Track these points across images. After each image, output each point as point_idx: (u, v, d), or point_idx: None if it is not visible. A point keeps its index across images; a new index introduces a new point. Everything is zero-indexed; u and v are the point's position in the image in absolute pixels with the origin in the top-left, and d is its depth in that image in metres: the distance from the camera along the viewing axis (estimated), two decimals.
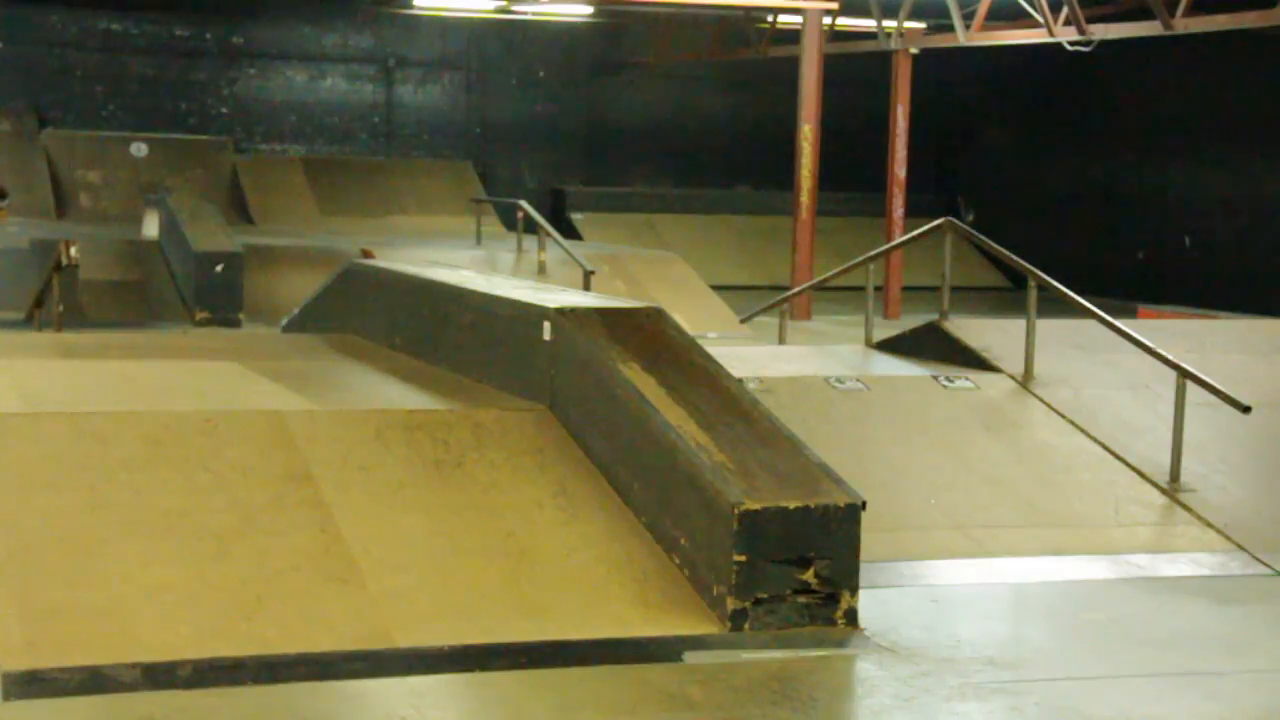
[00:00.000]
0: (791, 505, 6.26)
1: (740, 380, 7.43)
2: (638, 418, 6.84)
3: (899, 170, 20.91)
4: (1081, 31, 17.64)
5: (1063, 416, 9.14)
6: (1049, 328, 9.86)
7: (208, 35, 25.53)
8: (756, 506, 6.20)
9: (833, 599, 6.31)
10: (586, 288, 15.48)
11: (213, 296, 16.66)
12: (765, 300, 14.92)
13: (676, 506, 6.54)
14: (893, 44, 20.73)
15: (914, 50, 20.72)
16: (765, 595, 6.21)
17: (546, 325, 7.58)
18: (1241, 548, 7.97)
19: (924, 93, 22.18)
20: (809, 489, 6.39)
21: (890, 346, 10.68)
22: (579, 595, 6.30)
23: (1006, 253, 10.52)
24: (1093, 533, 8.02)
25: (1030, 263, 9.94)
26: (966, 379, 9.49)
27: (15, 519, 6.24)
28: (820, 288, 15.33)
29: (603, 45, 26.95)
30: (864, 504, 6.40)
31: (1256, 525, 8.23)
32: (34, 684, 5.35)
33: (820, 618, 6.29)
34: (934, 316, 10.47)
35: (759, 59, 24.14)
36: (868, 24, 21.23)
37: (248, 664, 5.59)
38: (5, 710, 5.18)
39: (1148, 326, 10.81)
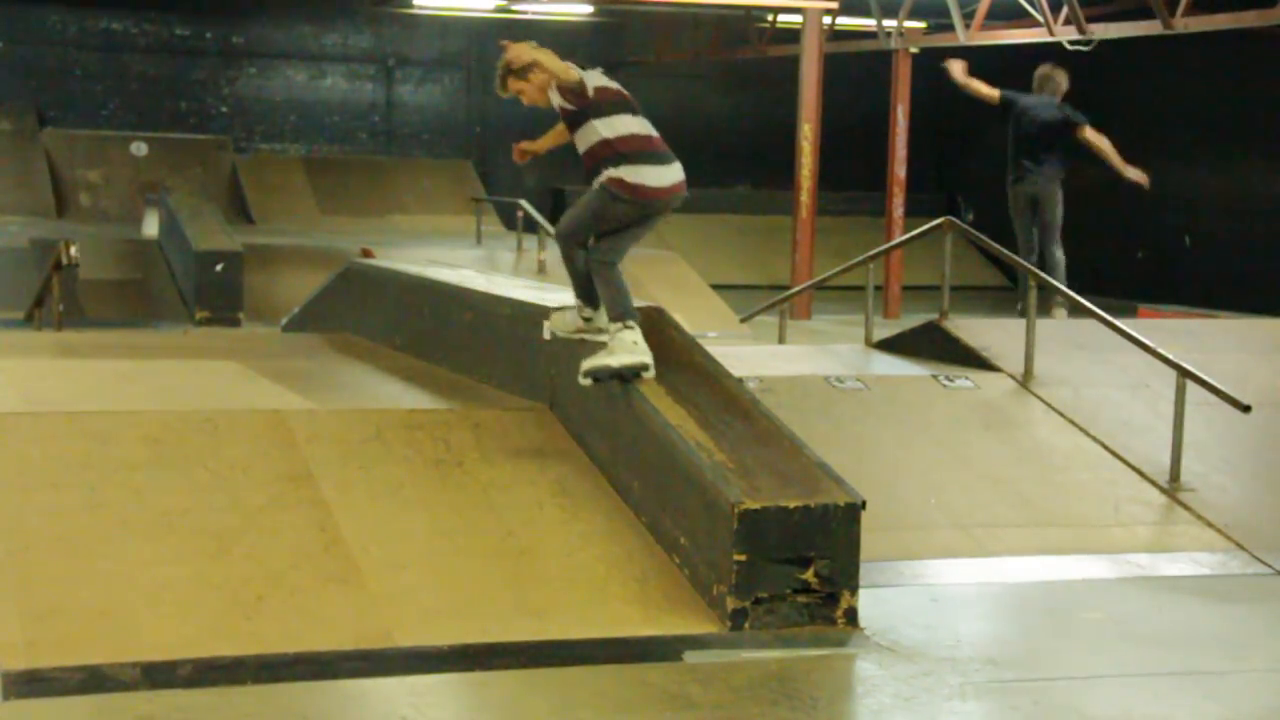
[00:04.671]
0: (791, 505, 6.26)
1: (740, 380, 7.43)
2: (638, 417, 6.84)
3: (899, 170, 20.90)
4: (1081, 31, 17.63)
5: (1062, 416, 9.14)
6: (1049, 327, 9.86)
7: (208, 35, 25.53)
8: (756, 506, 6.20)
9: (833, 598, 6.31)
10: None
11: (213, 296, 16.65)
12: (765, 300, 14.91)
13: (676, 506, 6.54)
14: (893, 44, 20.72)
15: (914, 50, 20.71)
16: (765, 595, 6.21)
17: (547, 325, 7.58)
18: (1241, 547, 7.97)
19: (924, 93, 22.16)
20: (809, 488, 6.39)
21: (890, 346, 10.68)
22: (579, 595, 6.30)
23: (1007, 253, 10.51)
24: (1093, 532, 8.01)
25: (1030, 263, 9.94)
26: (966, 378, 9.49)
27: (15, 519, 6.24)
28: (820, 287, 15.32)
29: (603, 45, 26.92)
30: (864, 503, 6.40)
31: (1256, 525, 8.23)
32: (34, 684, 5.35)
33: (820, 617, 6.29)
34: (934, 316, 10.47)
35: (759, 59, 24.13)
36: (868, 24, 21.22)
37: (248, 664, 5.59)
38: (5, 710, 5.17)
39: (1148, 326, 10.80)
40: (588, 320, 7.24)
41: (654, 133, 6.99)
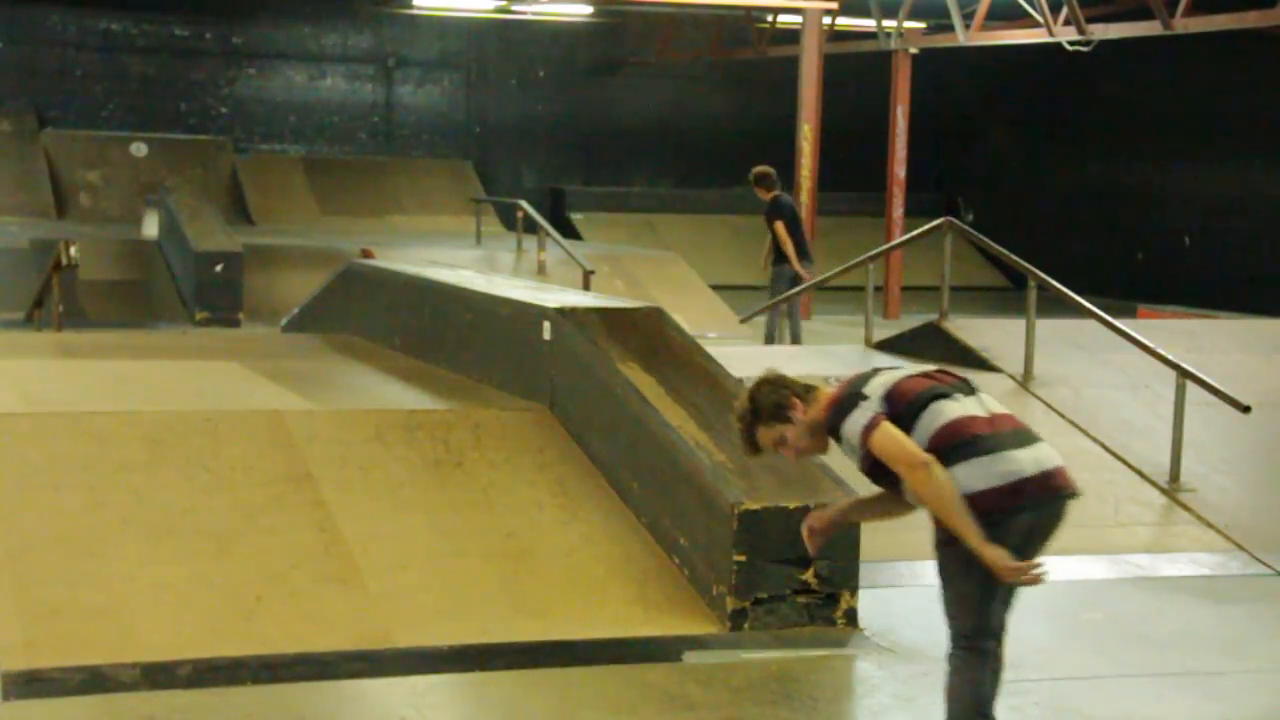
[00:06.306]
0: (791, 505, 6.25)
1: (740, 380, 7.42)
2: (638, 418, 6.84)
3: (899, 170, 20.90)
4: (1081, 31, 17.63)
5: (1062, 416, 9.13)
6: (1049, 328, 9.86)
7: (208, 35, 25.53)
8: (756, 506, 6.20)
9: (833, 599, 6.31)
10: (586, 288, 15.48)
11: (213, 296, 16.65)
12: (765, 300, 14.91)
13: (676, 506, 6.54)
14: (893, 44, 20.72)
15: (914, 50, 20.71)
16: (765, 595, 6.20)
17: (546, 325, 7.58)
18: (1241, 548, 7.97)
19: (924, 93, 22.17)
20: (809, 489, 6.38)
21: (890, 346, 10.68)
22: (579, 595, 6.30)
23: (1006, 253, 10.51)
24: (1093, 533, 8.01)
25: (1030, 263, 9.94)
26: None
27: (15, 519, 6.24)
28: (820, 288, 15.32)
29: (603, 45, 26.93)
30: None
31: (1256, 525, 8.23)
32: (34, 684, 5.35)
33: (820, 618, 6.29)
34: (934, 316, 10.47)
35: (759, 59, 24.13)
36: (868, 24, 21.22)
37: (248, 664, 5.59)
38: (5, 710, 5.17)
39: (1148, 326, 10.81)
40: None
41: (993, 408, 4.73)
